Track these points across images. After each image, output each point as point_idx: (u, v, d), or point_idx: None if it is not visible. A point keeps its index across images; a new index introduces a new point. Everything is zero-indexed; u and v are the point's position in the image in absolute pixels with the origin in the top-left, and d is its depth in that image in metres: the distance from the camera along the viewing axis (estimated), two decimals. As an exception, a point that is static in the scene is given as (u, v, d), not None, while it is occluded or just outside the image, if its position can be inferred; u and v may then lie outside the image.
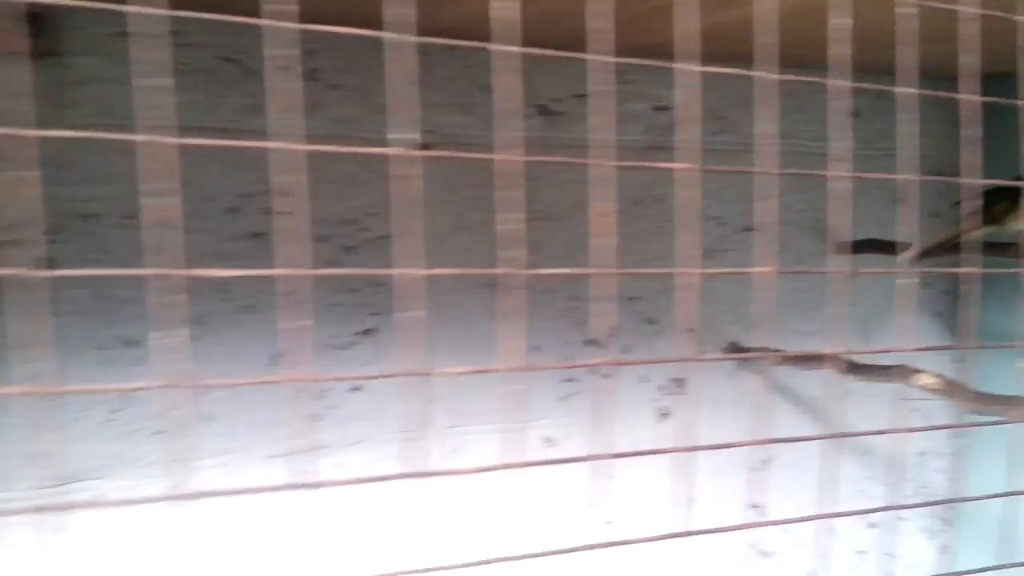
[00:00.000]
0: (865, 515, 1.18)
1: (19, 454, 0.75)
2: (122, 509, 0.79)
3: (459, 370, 0.36)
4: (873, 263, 1.07)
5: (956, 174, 1.18)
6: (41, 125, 0.73)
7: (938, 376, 0.74)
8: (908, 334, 1.18)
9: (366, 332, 0.87)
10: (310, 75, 0.83)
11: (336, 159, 0.85)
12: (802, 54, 0.96)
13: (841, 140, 1.11)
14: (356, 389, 0.87)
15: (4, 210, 0.71)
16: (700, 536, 1.04)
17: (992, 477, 1.18)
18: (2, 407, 0.73)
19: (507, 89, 0.93)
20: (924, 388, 0.75)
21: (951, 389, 0.73)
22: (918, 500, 1.21)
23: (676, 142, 1.02)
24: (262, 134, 0.82)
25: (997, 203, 0.89)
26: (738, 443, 0.38)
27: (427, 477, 0.32)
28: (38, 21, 0.69)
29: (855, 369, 0.83)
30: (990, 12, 0.39)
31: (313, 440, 0.85)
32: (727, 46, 0.89)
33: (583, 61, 0.96)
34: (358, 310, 0.86)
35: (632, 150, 0.99)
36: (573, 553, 0.34)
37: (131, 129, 0.76)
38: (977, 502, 1.19)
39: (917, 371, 0.76)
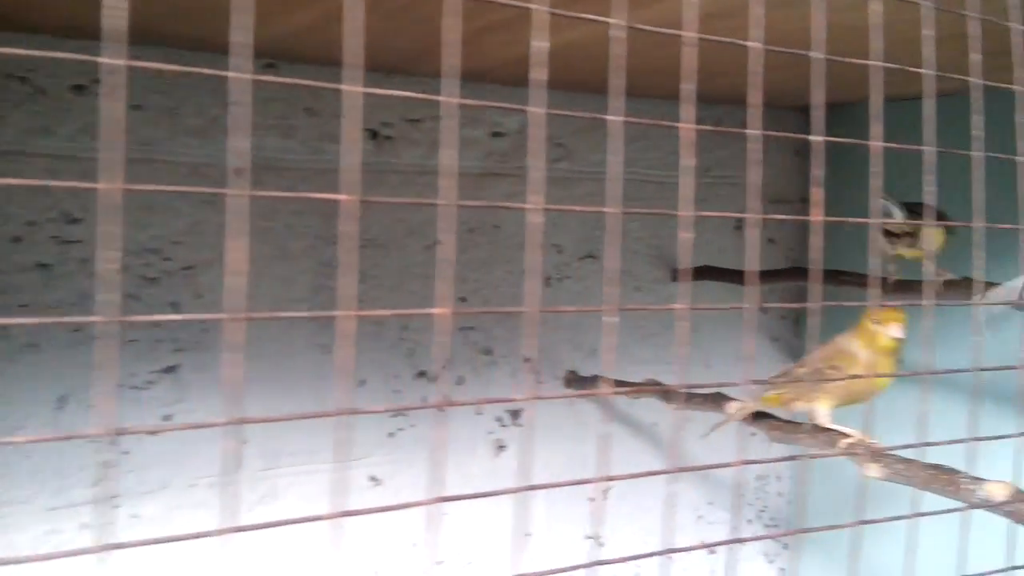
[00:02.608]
0: (704, 541, 1.18)
1: None
2: None
3: (277, 417, 0.32)
4: (713, 289, 1.07)
5: (797, 200, 1.20)
6: None
7: (745, 404, 0.74)
8: (749, 359, 1.20)
9: (168, 370, 0.81)
10: (106, 91, 0.77)
11: (139, 181, 0.78)
12: (645, 83, 0.95)
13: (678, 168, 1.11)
14: (153, 432, 0.80)
15: None
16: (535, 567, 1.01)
17: (828, 499, 1.20)
18: None
19: (334, 112, 0.88)
20: (734, 417, 0.75)
21: (757, 420, 0.73)
22: (758, 523, 1.23)
23: (512, 168, 0.99)
24: (52, 157, 0.74)
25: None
26: (580, 480, 0.36)
27: (240, 531, 0.28)
28: None
29: (675, 398, 0.83)
30: (835, 58, 0.37)
31: (106, 489, 0.78)
32: (564, 73, 0.87)
33: (413, 85, 0.92)
34: (159, 346, 0.80)
35: (469, 176, 0.96)
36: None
37: None
38: (813, 522, 1.22)
39: (730, 400, 0.76)
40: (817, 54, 0.37)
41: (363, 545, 0.92)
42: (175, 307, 0.80)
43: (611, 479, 0.38)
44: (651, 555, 0.42)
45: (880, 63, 0.38)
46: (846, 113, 0.92)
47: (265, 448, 0.85)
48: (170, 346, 0.80)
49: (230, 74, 0.27)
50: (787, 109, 1.15)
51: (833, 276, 0.95)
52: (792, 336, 1.23)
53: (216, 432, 0.83)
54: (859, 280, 0.93)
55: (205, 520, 0.83)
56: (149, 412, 0.80)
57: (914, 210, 0.81)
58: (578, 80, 0.90)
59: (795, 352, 1.23)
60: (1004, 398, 0.66)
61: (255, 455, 0.85)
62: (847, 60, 0.38)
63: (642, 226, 1.08)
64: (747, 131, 0.36)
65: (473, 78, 0.92)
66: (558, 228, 1.03)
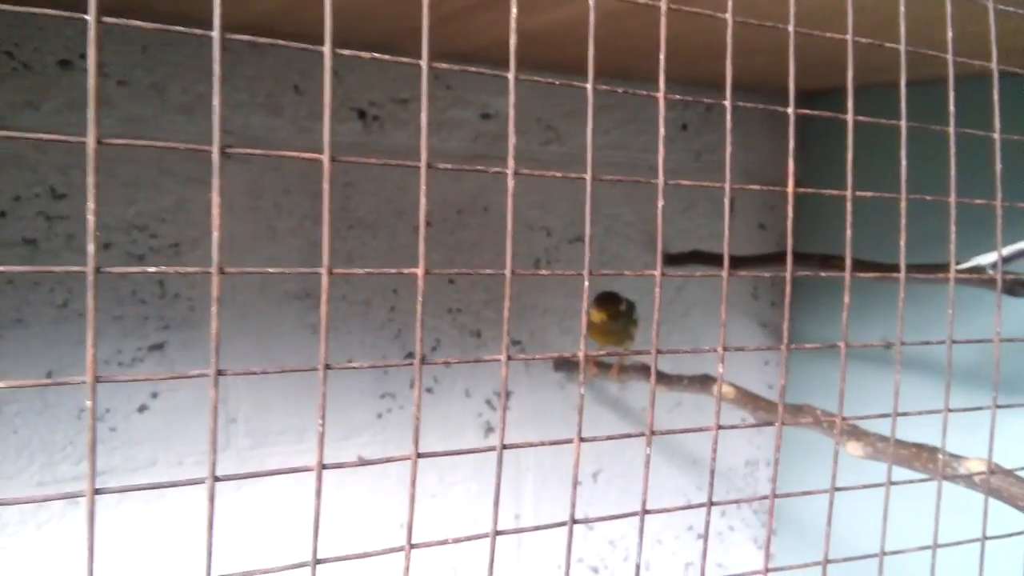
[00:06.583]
0: (693, 527, 1.19)
1: None
2: None
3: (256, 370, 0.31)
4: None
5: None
6: None
7: (733, 386, 0.74)
8: (737, 343, 1.20)
9: (155, 347, 0.80)
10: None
11: (125, 159, 0.78)
12: (630, 65, 0.95)
13: (670, 153, 1.11)
14: (143, 409, 0.80)
15: None
16: (527, 550, 1.02)
17: (818, 483, 1.20)
18: None
19: (321, 90, 0.88)
20: (722, 398, 0.75)
21: (745, 399, 0.73)
22: (747, 509, 1.23)
23: (502, 151, 0.99)
24: (37, 132, 0.74)
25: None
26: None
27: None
28: None
29: (661, 379, 0.83)
30: (810, 32, 0.37)
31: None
32: (552, 54, 0.87)
33: (402, 64, 0.92)
34: (146, 323, 0.80)
35: (457, 158, 0.96)
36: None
37: None
38: (803, 510, 1.22)
39: (715, 380, 0.76)
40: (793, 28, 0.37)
41: (347, 524, 0.92)
42: (161, 285, 0.80)
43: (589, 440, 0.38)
44: (627, 515, 0.41)
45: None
46: (830, 100, 0.92)
47: (252, 427, 0.85)
48: (157, 324, 0.80)
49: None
50: (770, 95, 1.15)
51: (822, 260, 0.95)
52: (782, 322, 1.22)
53: (203, 411, 0.83)
54: (844, 265, 0.93)
55: (193, 497, 0.83)
56: (136, 390, 0.80)
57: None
58: (563, 61, 0.90)
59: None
60: (982, 380, 0.66)
61: (242, 433, 0.84)
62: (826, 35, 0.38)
63: (633, 211, 1.08)
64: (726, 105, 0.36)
65: (461, 58, 0.92)
66: (547, 211, 1.03)
